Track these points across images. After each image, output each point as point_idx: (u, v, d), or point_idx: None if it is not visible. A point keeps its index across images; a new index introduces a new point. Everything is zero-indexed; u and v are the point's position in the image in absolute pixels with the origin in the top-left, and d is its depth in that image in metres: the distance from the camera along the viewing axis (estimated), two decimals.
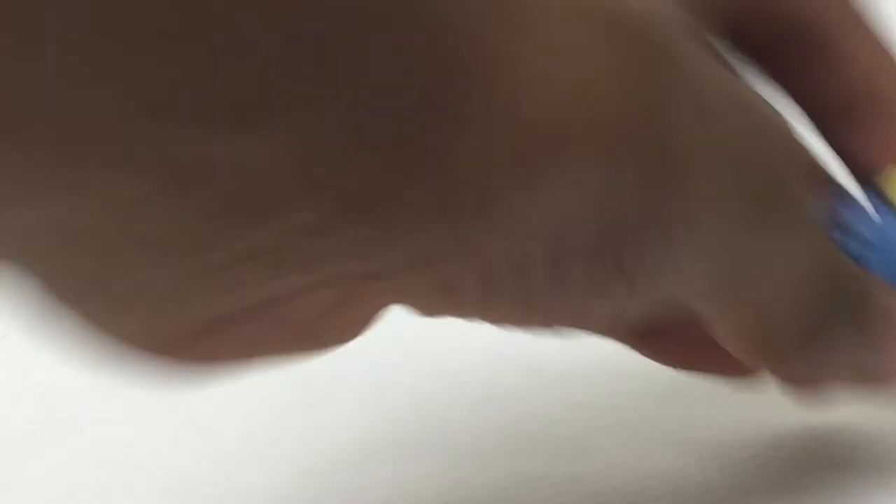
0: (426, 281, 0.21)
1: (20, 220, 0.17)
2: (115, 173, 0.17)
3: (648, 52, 0.21)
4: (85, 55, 0.16)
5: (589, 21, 0.20)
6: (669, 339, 0.27)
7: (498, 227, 0.20)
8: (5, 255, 0.18)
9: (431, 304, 0.22)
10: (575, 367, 0.34)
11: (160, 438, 0.34)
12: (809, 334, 0.25)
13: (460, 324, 0.24)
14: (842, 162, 0.27)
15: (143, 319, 0.19)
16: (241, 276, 0.19)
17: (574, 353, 0.34)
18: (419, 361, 0.36)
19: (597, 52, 0.20)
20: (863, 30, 0.24)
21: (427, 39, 0.18)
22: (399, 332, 0.29)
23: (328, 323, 0.22)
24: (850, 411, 0.31)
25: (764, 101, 0.23)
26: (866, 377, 0.27)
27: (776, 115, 0.24)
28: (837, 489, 0.30)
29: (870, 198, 0.26)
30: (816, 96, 0.26)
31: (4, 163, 0.16)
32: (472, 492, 0.31)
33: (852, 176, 0.27)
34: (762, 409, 0.33)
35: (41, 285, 0.19)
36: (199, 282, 0.19)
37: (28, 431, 0.35)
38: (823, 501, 0.30)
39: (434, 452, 0.33)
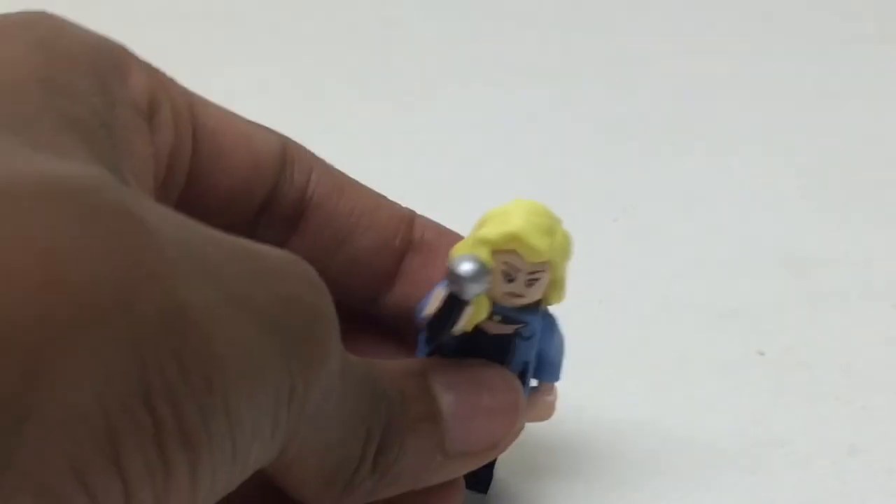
0: None
1: None
2: None
3: (110, 216, 0.19)
4: None
5: (28, 202, 0.19)
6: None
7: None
8: None
9: None
10: None
11: None
12: (365, 461, 0.26)
13: None
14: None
15: None
16: None
17: None
18: None
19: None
20: (349, 186, 0.30)
21: None
22: None
23: None
24: None
25: (268, 247, 0.23)
26: (444, 467, 0.28)
27: (285, 258, 0.23)
28: None
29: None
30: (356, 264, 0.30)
31: None
32: None
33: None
34: None
35: None
36: None
37: None
38: None
39: None
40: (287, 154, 0.30)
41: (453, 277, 0.25)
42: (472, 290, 0.25)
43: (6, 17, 0.25)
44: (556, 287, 0.28)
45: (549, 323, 0.29)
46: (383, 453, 0.26)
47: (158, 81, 0.27)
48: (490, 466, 0.30)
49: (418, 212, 0.31)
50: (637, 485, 0.31)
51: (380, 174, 0.31)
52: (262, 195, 0.29)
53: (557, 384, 0.29)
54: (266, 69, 0.54)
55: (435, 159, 0.47)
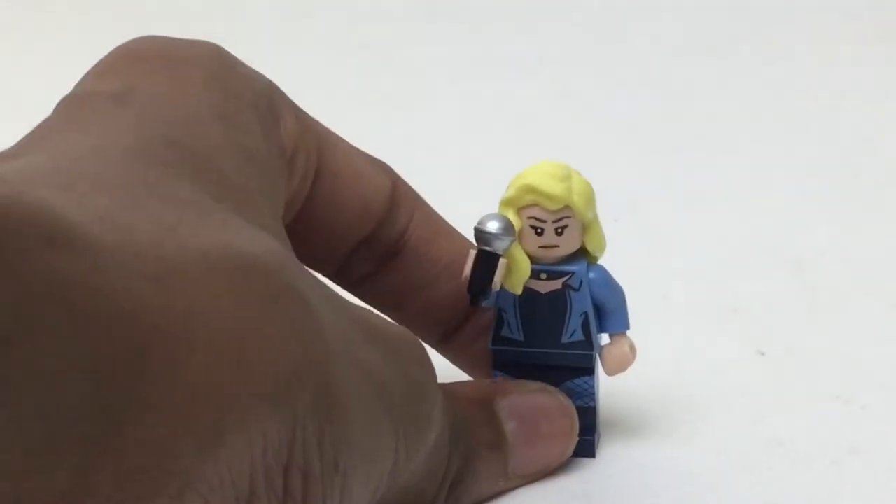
0: None
1: None
2: None
3: (286, 299, 0.22)
4: None
5: (222, 277, 0.21)
6: None
7: (183, 496, 0.20)
8: None
9: None
10: None
11: None
12: (438, 499, 0.28)
13: None
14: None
15: None
16: None
17: None
18: None
19: (241, 307, 0.21)
20: (444, 233, 0.31)
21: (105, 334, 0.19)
22: None
23: None
24: None
25: (390, 323, 0.27)
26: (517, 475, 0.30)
27: (405, 337, 0.26)
28: None
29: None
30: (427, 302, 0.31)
31: None
32: None
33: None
34: None
35: None
36: None
37: None
38: None
39: None
40: (395, 196, 0.31)
41: (478, 234, 0.28)
42: (498, 243, 0.28)
43: (175, 47, 0.27)
44: (590, 233, 0.30)
45: (602, 274, 0.30)
46: (455, 485, 0.28)
47: (302, 126, 0.28)
48: (591, 431, 0.31)
49: None
50: (636, 484, 0.31)
51: None
52: (363, 234, 0.30)
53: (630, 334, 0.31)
54: (264, 69, 0.54)
55: (433, 158, 0.47)
